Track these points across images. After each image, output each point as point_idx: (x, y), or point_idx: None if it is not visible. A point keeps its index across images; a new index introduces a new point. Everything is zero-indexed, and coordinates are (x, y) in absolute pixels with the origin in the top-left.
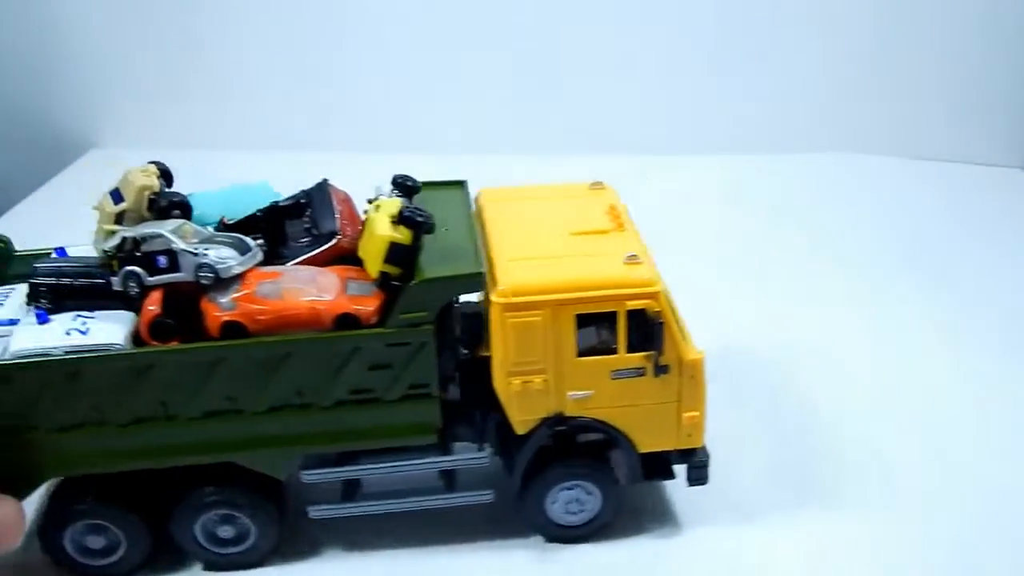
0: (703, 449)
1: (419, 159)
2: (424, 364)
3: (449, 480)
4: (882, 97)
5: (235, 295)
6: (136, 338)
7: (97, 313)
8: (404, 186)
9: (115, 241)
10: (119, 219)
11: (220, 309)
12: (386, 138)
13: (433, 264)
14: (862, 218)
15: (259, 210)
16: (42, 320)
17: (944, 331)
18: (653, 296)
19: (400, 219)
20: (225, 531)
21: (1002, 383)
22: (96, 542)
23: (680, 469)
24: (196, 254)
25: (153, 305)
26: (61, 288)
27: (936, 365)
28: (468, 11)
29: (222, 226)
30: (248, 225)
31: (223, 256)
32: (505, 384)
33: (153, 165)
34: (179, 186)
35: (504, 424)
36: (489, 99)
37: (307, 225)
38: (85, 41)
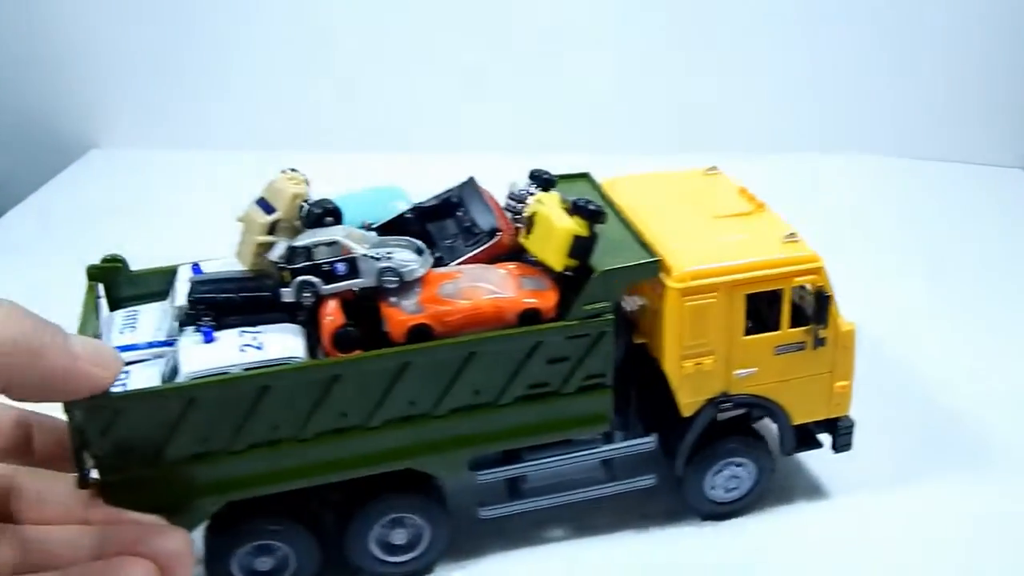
0: (847, 417)
1: (419, 159)
2: (601, 354)
3: (608, 468)
4: (882, 97)
5: (419, 298)
6: (311, 350)
7: (262, 328)
8: (542, 179)
9: (280, 251)
10: (271, 230)
11: (405, 313)
12: (386, 138)
13: (603, 255)
14: (863, 217)
15: (407, 211)
16: (208, 338)
17: (941, 330)
18: (817, 272)
19: (575, 210)
20: (399, 537)
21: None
22: (265, 563)
23: (822, 438)
24: (378, 258)
25: (333, 314)
26: (224, 304)
27: (935, 361)
28: (468, 12)
29: (366, 229)
30: (394, 227)
31: (406, 259)
32: (677, 367)
33: (296, 172)
34: (179, 187)
35: (662, 408)
36: (489, 100)
37: (466, 224)
38: (85, 42)
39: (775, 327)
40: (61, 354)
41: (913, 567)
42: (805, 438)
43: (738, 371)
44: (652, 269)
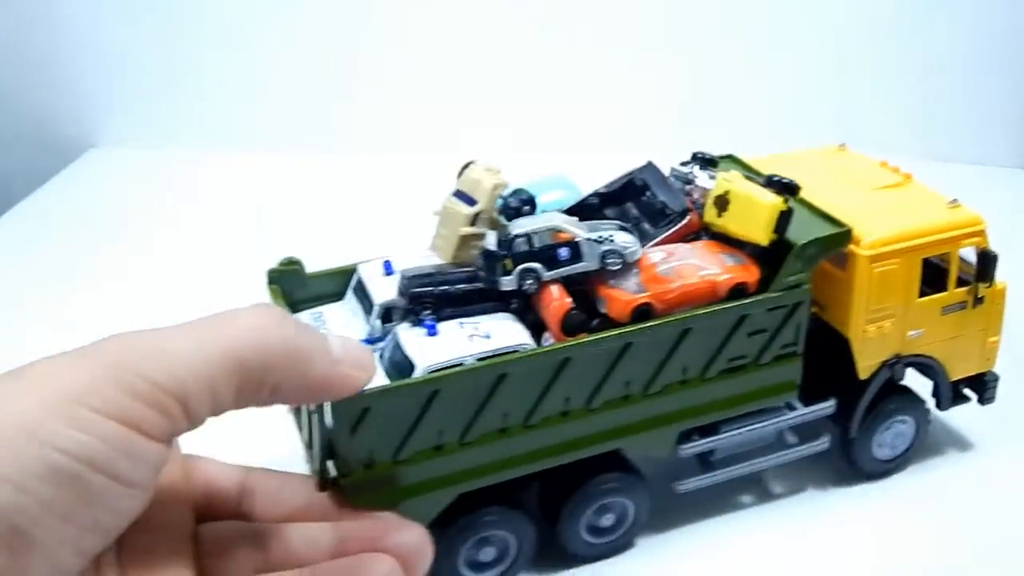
0: (992, 371)
1: (419, 159)
2: (795, 324)
3: (780, 436)
4: (883, 98)
5: (640, 278)
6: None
7: (479, 318)
8: (705, 160)
9: (494, 240)
10: (473, 221)
11: (628, 293)
12: (386, 138)
13: (793, 228)
14: None
15: (590, 197)
16: (432, 331)
17: None
18: (982, 233)
19: (771, 185)
20: (607, 520)
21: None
22: (488, 554)
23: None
24: (601, 241)
25: (560, 299)
26: (443, 296)
27: None
28: (468, 12)
29: None
30: (577, 212)
31: (626, 241)
32: (861, 332)
33: (484, 165)
34: (180, 186)
35: (836, 373)
36: (490, 100)
37: (656, 206)
38: (85, 42)
39: (940, 289)
40: (324, 358)
41: None
42: (956, 394)
43: (911, 332)
44: (844, 239)
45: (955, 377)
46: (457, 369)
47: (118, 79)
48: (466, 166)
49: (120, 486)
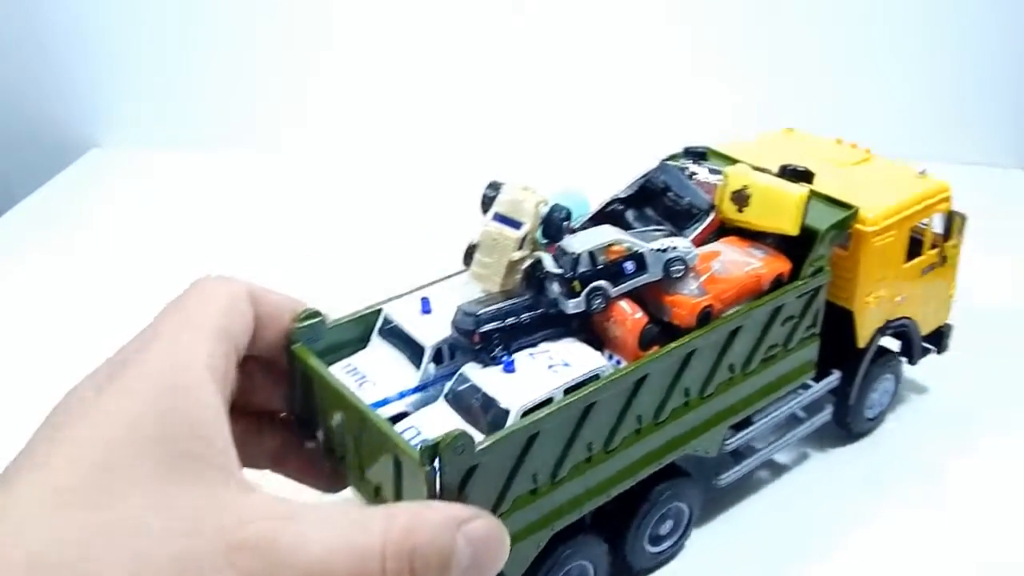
0: (947, 323)
1: (418, 159)
2: (816, 307)
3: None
4: (882, 98)
5: (701, 280)
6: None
7: (545, 345)
8: (697, 154)
9: (552, 262)
10: (521, 245)
11: (692, 297)
12: (386, 139)
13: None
14: None
15: (615, 202)
16: (509, 368)
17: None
18: (950, 198)
19: (786, 174)
20: (666, 528)
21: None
22: None
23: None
24: (664, 250)
25: (633, 314)
26: (513, 329)
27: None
28: (468, 13)
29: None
30: (603, 219)
31: (686, 247)
32: (863, 304)
33: (518, 184)
34: (181, 186)
35: (833, 346)
36: (489, 100)
37: (683, 205)
38: (86, 42)
39: (916, 254)
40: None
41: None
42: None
43: (898, 298)
44: (852, 219)
45: (926, 332)
46: (552, 407)
47: (120, 80)
48: (493, 187)
49: None
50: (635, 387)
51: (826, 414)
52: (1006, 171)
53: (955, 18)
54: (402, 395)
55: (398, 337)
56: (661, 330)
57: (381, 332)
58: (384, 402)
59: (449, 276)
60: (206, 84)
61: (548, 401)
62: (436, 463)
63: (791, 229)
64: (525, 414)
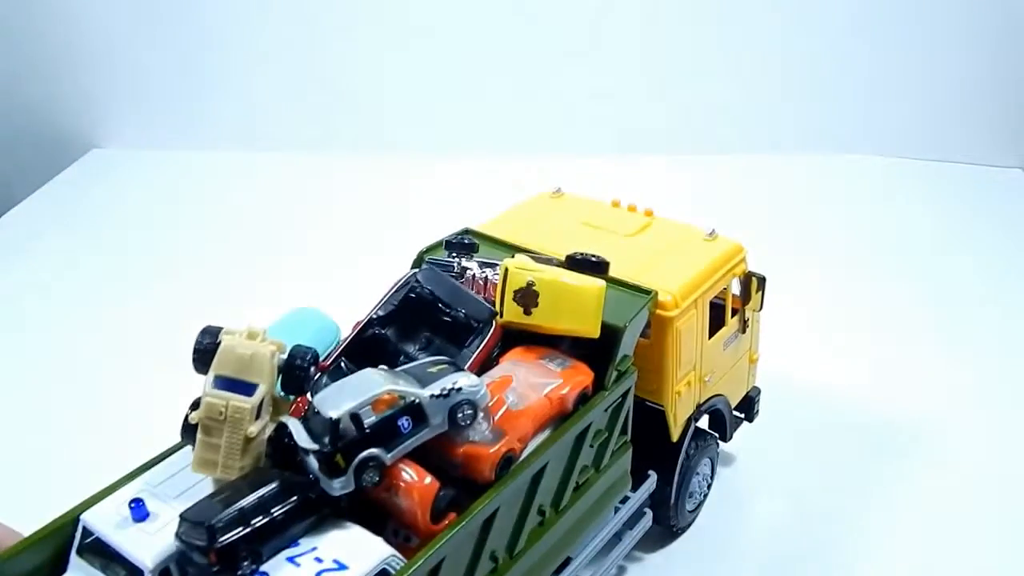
0: (755, 387)
1: (417, 159)
2: (625, 412)
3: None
4: (882, 97)
5: (493, 420)
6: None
7: (309, 540)
8: (463, 245)
9: (305, 436)
10: (259, 413)
11: (489, 444)
12: (385, 139)
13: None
14: (863, 217)
15: (373, 321)
16: None
17: (941, 330)
18: (745, 260)
19: (577, 265)
20: None
21: (1001, 382)
22: None
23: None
24: (447, 394)
25: (419, 481)
26: (264, 531)
27: (934, 361)
28: (468, 14)
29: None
30: (362, 349)
31: (472, 384)
32: (675, 396)
33: (259, 336)
34: (182, 186)
35: (642, 445)
36: (489, 101)
37: (458, 318)
38: (87, 42)
39: (718, 326)
40: None
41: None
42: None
43: (707, 377)
44: (653, 305)
45: (734, 403)
46: None
47: (121, 80)
48: (207, 333)
49: None
50: (432, 574)
51: (647, 520)
52: (1006, 171)
53: (954, 18)
54: None
55: (106, 556)
56: (456, 491)
57: (81, 551)
58: None
59: (163, 455)
60: (206, 84)
61: None
62: None
63: (591, 331)
64: None
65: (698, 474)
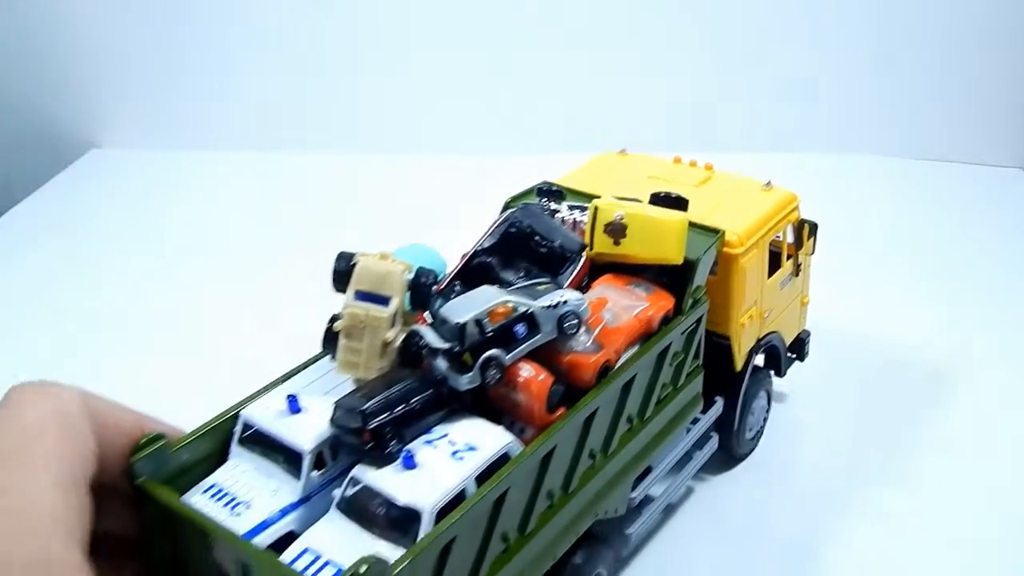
0: (805, 330)
1: (416, 159)
2: (698, 337)
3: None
4: (882, 97)
5: (593, 334)
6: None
7: (442, 428)
8: (551, 191)
9: (434, 337)
10: (393, 321)
11: (590, 354)
12: (384, 138)
13: None
14: (863, 217)
15: (480, 252)
16: (409, 463)
17: (942, 328)
18: (798, 207)
19: (660, 202)
20: None
21: (1001, 372)
22: None
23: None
24: (555, 306)
25: (536, 376)
26: (404, 417)
27: (935, 357)
28: (468, 13)
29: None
30: (472, 274)
31: (577, 299)
32: (739, 327)
33: (389, 258)
34: (181, 186)
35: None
36: (489, 101)
37: (555, 249)
38: (85, 42)
39: (775, 269)
40: None
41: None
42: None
43: (766, 314)
44: (720, 243)
45: (788, 342)
46: (469, 502)
47: (120, 80)
48: (343, 259)
49: None
50: (544, 461)
51: (713, 443)
52: (1006, 171)
53: (954, 18)
54: (284, 512)
55: (265, 445)
56: (566, 387)
57: (242, 441)
58: (264, 525)
59: (306, 365)
60: (206, 84)
61: (461, 494)
62: None
63: (675, 258)
64: (439, 513)
65: (756, 405)
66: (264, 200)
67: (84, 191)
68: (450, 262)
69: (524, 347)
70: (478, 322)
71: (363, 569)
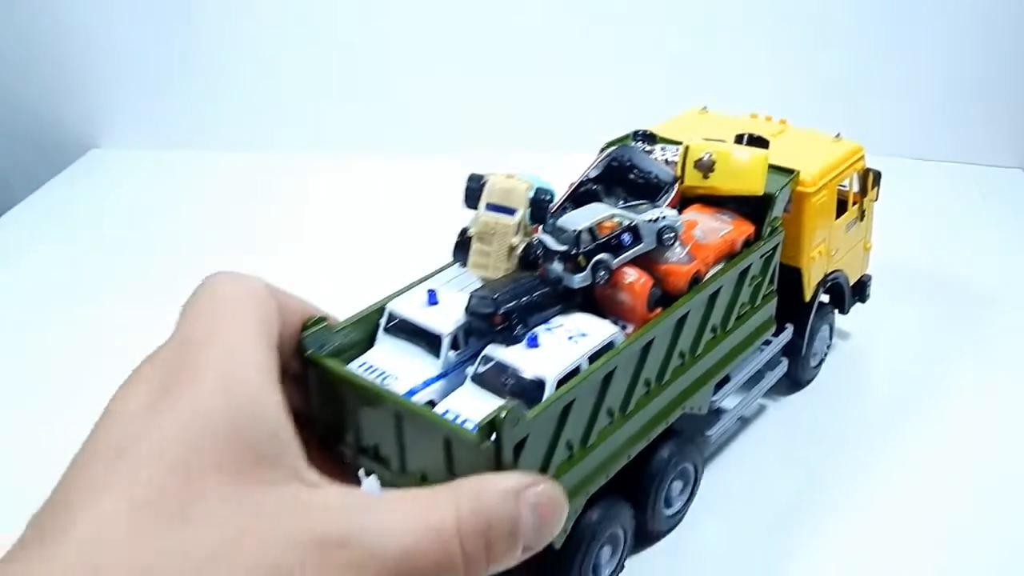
0: (867, 273)
1: (415, 159)
2: (775, 264)
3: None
4: (882, 97)
5: (687, 248)
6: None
7: (558, 319)
8: (647, 136)
9: (552, 243)
10: (518, 230)
11: (683, 264)
12: (384, 138)
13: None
14: None
15: (588, 180)
16: (533, 344)
17: (942, 329)
18: (863, 157)
19: (748, 140)
20: (677, 488)
21: (1005, 377)
22: (605, 553)
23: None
24: (656, 220)
25: (639, 278)
26: (528, 307)
27: (937, 361)
28: (467, 13)
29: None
30: (581, 198)
31: (675, 216)
32: (809, 260)
33: (515, 177)
34: (181, 186)
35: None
36: (489, 100)
37: (650, 180)
38: (85, 42)
39: (840, 212)
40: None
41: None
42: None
43: (833, 252)
44: (795, 182)
45: (852, 282)
46: (583, 374)
47: (120, 80)
48: (474, 179)
49: None
50: (643, 351)
51: (783, 365)
52: (1006, 171)
53: (954, 17)
54: (427, 383)
55: (407, 331)
56: (663, 291)
57: (387, 329)
58: (411, 392)
59: (438, 271)
60: (206, 84)
61: (576, 370)
62: (492, 439)
63: (757, 189)
64: (559, 383)
65: (820, 335)
66: (264, 200)
67: (84, 191)
68: None
69: (629, 254)
70: (591, 230)
71: (503, 413)
